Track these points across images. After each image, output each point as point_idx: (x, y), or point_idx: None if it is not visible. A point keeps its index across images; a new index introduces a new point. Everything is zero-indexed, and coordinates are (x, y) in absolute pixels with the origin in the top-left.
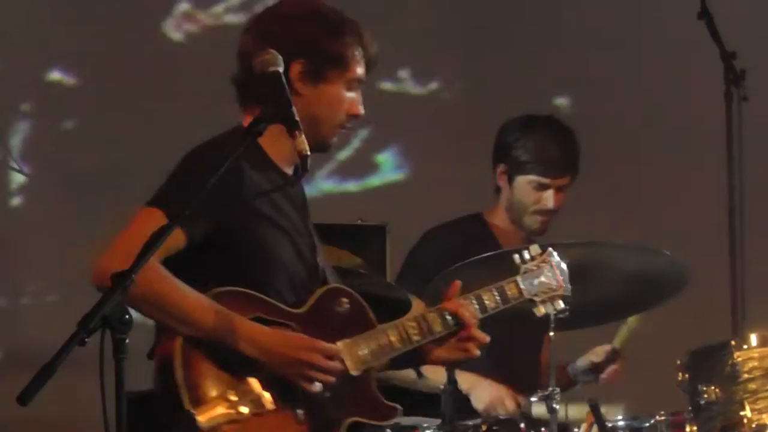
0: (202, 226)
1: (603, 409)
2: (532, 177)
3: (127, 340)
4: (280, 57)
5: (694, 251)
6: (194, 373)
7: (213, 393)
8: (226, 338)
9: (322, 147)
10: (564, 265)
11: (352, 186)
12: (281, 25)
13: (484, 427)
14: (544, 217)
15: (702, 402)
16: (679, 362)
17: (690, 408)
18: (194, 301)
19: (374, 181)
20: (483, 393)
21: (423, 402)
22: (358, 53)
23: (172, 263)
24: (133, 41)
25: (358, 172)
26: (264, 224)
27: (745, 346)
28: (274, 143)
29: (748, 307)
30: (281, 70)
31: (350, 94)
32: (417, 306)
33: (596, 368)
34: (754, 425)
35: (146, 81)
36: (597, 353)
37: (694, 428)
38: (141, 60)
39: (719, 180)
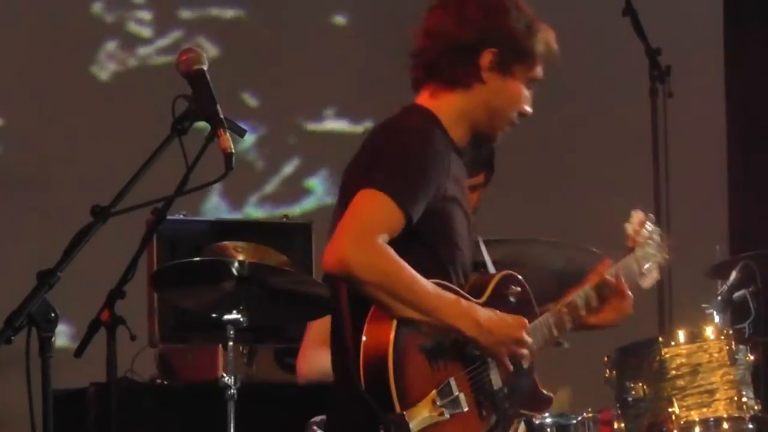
0: (419, 207)
1: None
2: None
3: (53, 338)
4: (204, 55)
5: (621, 248)
6: (405, 372)
7: (419, 394)
8: (453, 320)
9: (490, 138)
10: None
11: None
12: (483, 13)
13: None
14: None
15: (629, 399)
16: (606, 359)
17: (617, 405)
18: (425, 284)
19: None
20: None
21: None
22: (544, 54)
23: None
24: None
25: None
26: (456, 206)
27: (673, 343)
28: (452, 124)
29: (675, 304)
30: (205, 67)
31: (526, 92)
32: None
33: None
34: (682, 422)
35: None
36: None
37: (622, 425)
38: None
39: (646, 176)
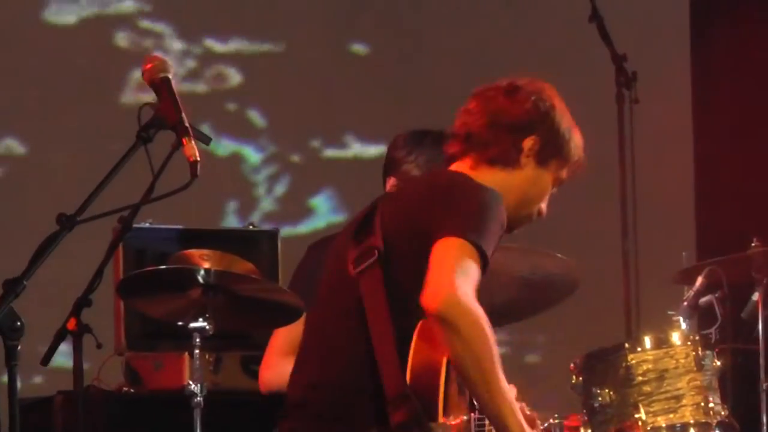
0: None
1: None
2: None
3: (18, 347)
4: (168, 63)
5: (587, 254)
6: (450, 393)
7: (456, 411)
8: (505, 414)
9: (511, 228)
10: None
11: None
12: (535, 101)
13: None
14: None
15: (596, 405)
16: (572, 365)
17: (584, 411)
18: (502, 379)
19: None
20: None
21: None
22: (574, 158)
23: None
24: None
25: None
26: None
27: (639, 349)
28: None
29: (642, 310)
30: (170, 75)
31: (552, 191)
32: None
33: None
34: (649, 428)
35: None
36: None
37: (589, 431)
38: None
39: (612, 182)
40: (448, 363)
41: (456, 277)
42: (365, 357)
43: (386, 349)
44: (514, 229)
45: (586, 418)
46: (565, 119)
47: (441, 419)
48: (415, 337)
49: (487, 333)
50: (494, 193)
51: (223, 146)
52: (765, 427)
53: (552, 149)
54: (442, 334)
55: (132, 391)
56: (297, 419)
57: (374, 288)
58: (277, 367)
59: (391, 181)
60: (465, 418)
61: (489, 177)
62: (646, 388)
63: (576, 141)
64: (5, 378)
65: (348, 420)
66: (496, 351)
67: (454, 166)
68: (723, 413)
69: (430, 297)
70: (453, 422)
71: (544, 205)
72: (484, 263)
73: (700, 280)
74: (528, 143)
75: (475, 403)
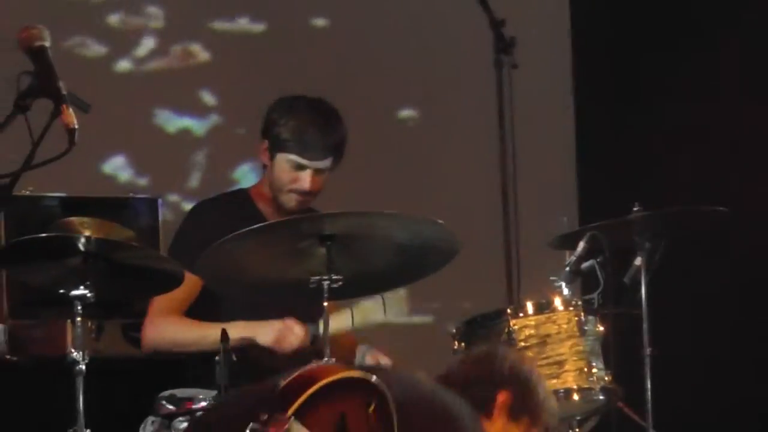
0: None
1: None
2: (290, 156)
3: None
4: (45, 31)
5: (467, 220)
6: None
7: None
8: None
9: None
10: None
11: None
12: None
13: None
14: (300, 197)
15: None
16: (454, 330)
17: None
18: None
19: None
20: (267, 328)
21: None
22: (548, 424)
23: None
24: None
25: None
26: None
27: (521, 314)
28: None
29: (523, 275)
30: (47, 44)
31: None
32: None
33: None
34: None
35: None
36: (381, 361)
37: None
38: None
39: (491, 148)
40: None
41: None
42: None
43: None
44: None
45: None
46: (543, 388)
47: None
48: None
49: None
50: None
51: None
52: (648, 393)
53: (523, 408)
54: None
55: (14, 359)
56: None
57: None
58: (157, 327)
59: (264, 144)
60: None
61: None
62: (529, 354)
63: (551, 411)
64: None
65: None
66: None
67: None
68: (606, 379)
69: None
70: None
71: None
72: None
73: (581, 244)
74: (502, 397)
75: None
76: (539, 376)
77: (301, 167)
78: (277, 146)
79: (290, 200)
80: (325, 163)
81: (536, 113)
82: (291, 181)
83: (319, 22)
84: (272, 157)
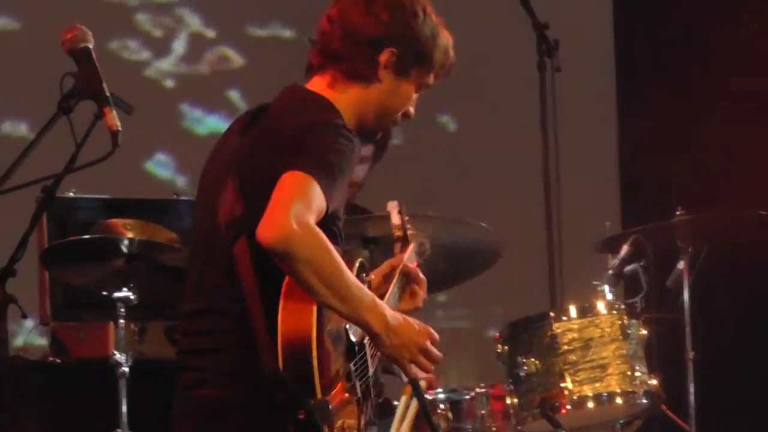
0: (338, 199)
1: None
2: None
3: None
4: (89, 33)
5: (511, 223)
6: (323, 356)
7: (332, 379)
8: (364, 312)
9: (371, 135)
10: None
11: None
12: (391, 11)
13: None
14: (349, 188)
15: (521, 374)
16: (497, 334)
17: (510, 380)
18: (348, 273)
19: None
20: None
21: None
22: (441, 62)
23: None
24: None
25: None
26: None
27: (564, 318)
28: (346, 116)
29: (567, 278)
30: (91, 46)
31: (415, 96)
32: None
33: None
34: (575, 397)
35: None
36: None
37: (515, 400)
38: None
39: (534, 151)
40: (318, 323)
41: (291, 207)
42: (242, 325)
43: (259, 323)
44: (377, 134)
45: (511, 387)
46: (427, 27)
47: (319, 395)
48: (281, 300)
49: (322, 249)
50: (340, 132)
51: None
52: (691, 396)
53: (412, 59)
54: (284, 268)
55: (57, 360)
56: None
57: (242, 250)
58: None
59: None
60: (347, 384)
61: (348, 95)
62: (572, 357)
63: (442, 47)
64: None
65: (233, 392)
66: (334, 258)
67: (314, 81)
68: (649, 382)
69: (262, 229)
70: (334, 395)
71: (411, 109)
72: (327, 195)
73: (625, 248)
74: (384, 56)
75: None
76: (422, 16)
77: None
78: None
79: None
80: (366, 150)
81: (579, 116)
82: None
83: None
84: None
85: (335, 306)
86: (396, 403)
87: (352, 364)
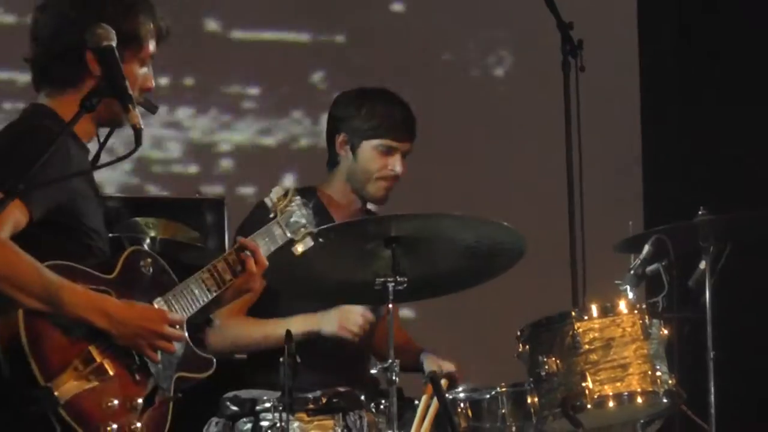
0: (46, 202)
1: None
2: (380, 141)
3: None
4: (113, 31)
5: (533, 222)
6: (41, 346)
7: (61, 364)
8: (78, 311)
9: (117, 123)
10: (301, 201)
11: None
12: (76, 9)
13: (324, 399)
14: (388, 183)
15: (543, 373)
16: (519, 333)
17: (531, 380)
18: (46, 276)
19: None
20: (330, 317)
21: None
22: (150, 30)
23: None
24: None
25: None
26: (84, 194)
27: (586, 317)
28: (72, 121)
29: (588, 278)
30: (114, 44)
31: (143, 70)
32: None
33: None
34: (596, 396)
35: None
36: (444, 366)
37: (536, 400)
38: None
39: (558, 150)
40: (26, 320)
41: None
42: None
43: None
44: (118, 122)
45: (532, 386)
46: (117, 5)
47: (41, 383)
48: None
49: (3, 258)
50: (15, 132)
51: None
52: (711, 396)
53: (118, 44)
54: None
55: None
56: None
57: None
58: (222, 328)
59: (340, 138)
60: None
61: (67, 101)
62: (593, 357)
63: (139, 18)
64: None
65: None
66: (22, 264)
67: (39, 99)
68: (670, 382)
69: None
70: (63, 381)
71: (148, 83)
72: (23, 196)
73: (646, 248)
74: (89, 56)
75: None
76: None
77: (391, 151)
78: (360, 135)
79: (379, 189)
80: (410, 146)
81: (603, 116)
82: (380, 167)
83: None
84: (354, 149)
85: (42, 310)
86: (417, 402)
87: (91, 347)
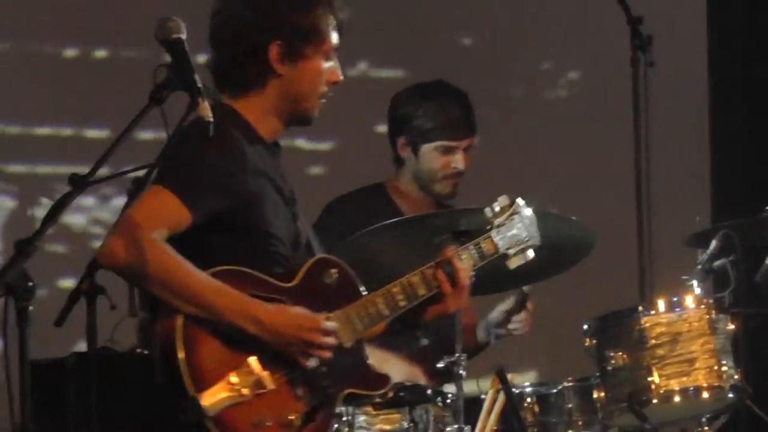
0: (209, 205)
1: (509, 375)
2: (439, 143)
3: (30, 308)
4: (182, 24)
5: (601, 216)
6: (196, 356)
7: (215, 376)
8: (230, 317)
9: (305, 121)
10: (531, 212)
11: None
12: (254, 9)
13: (390, 393)
14: (454, 180)
15: (609, 368)
16: (586, 327)
17: (597, 374)
18: (199, 280)
19: None
20: (393, 371)
21: None
22: (331, 22)
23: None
24: None
25: None
26: (263, 198)
27: (653, 312)
28: (258, 121)
29: (656, 273)
30: (183, 37)
31: (328, 64)
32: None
33: (508, 318)
34: (662, 391)
35: None
36: (506, 302)
37: (602, 394)
38: None
39: (626, 145)
40: (183, 329)
41: (121, 225)
42: None
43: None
44: (310, 116)
45: (599, 380)
46: (291, 3)
47: (192, 393)
48: (159, 316)
49: (157, 260)
50: (189, 134)
51: None
52: None
53: (297, 42)
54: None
55: (145, 352)
56: None
57: None
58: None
59: (401, 140)
60: (232, 373)
61: (251, 103)
62: (660, 351)
63: (317, 12)
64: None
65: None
66: (175, 267)
67: (225, 98)
68: (736, 377)
69: (99, 254)
70: (213, 393)
71: (333, 76)
72: (184, 200)
73: (714, 243)
74: (272, 53)
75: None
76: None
77: (451, 150)
78: (419, 138)
79: (446, 187)
80: (471, 140)
81: (672, 111)
82: (443, 167)
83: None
84: (416, 151)
85: (197, 314)
86: (483, 396)
87: (252, 359)
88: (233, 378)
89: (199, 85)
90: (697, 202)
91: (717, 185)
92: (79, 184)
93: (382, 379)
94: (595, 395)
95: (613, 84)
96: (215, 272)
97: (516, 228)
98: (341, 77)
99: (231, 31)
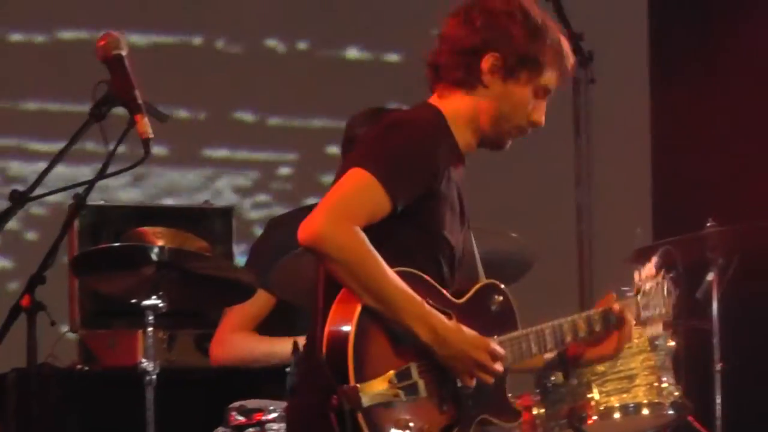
0: (407, 197)
1: None
2: None
3: None
4: (122, 40)
5: (542, 233)
6: (365, 347)
7: (376, 370)
8: (408, 320)
9: (498, 145)
10: (671, 288)
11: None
12: (487, 17)
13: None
14: None
15: (549, 384)
16: None
17: (537, 390)
18: (390, 278)
19: None
20: None
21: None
22: (554, 62)
23: None
24: None
25: None
26: (446, 204)
27: None
28: (458, 128)
29: (596, 289)
30: (123, 53)
31: (535, 101)
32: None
33: None
34: (602, 407)
35: None
36: None
37: (542, 410)
38: None
39: (567, 161)
40: (360, 317)
41: (328, 207)
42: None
43: (318, 316)
44: (504, 143)
45: (539, 397)
46: (528, 24)
47: (352, 382)
48: (336, 299)
49: (355, 249)
50: (422, 130)
51: None
52: (718, 408)
53: (516, 61)
54: (325, 267)
55: (86, 368)
56: None
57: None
58: (226, 344)
59: None
60: (392, 372)
61: (455, 102)
62: (600, 368)
63: (549, 43)
64: None
65: (299, 386)
66: (369, 260)
67: (430, 99)
68: (676, 393)
69: (300, 228)
70: (373, 386)
71: (537, 115)
72: (388, 189)
73: (654, 259)
74: (486, 63)
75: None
76: (526, 19)
77: None
78: None
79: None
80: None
81: (612, 127)
82: None
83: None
84: None
85: (376, 309)
86: None
87: (413, 364)
88: (393, 377)
89: (139, 101)
90: (638, 219)
91: (657, 201)
92: (20, 200)
93: (516, 413)
94: (534, 411)
95: (553, 100)
96: (398, 272)
97: (657, 297)
98: (543, 122)
99: (459, 30)
